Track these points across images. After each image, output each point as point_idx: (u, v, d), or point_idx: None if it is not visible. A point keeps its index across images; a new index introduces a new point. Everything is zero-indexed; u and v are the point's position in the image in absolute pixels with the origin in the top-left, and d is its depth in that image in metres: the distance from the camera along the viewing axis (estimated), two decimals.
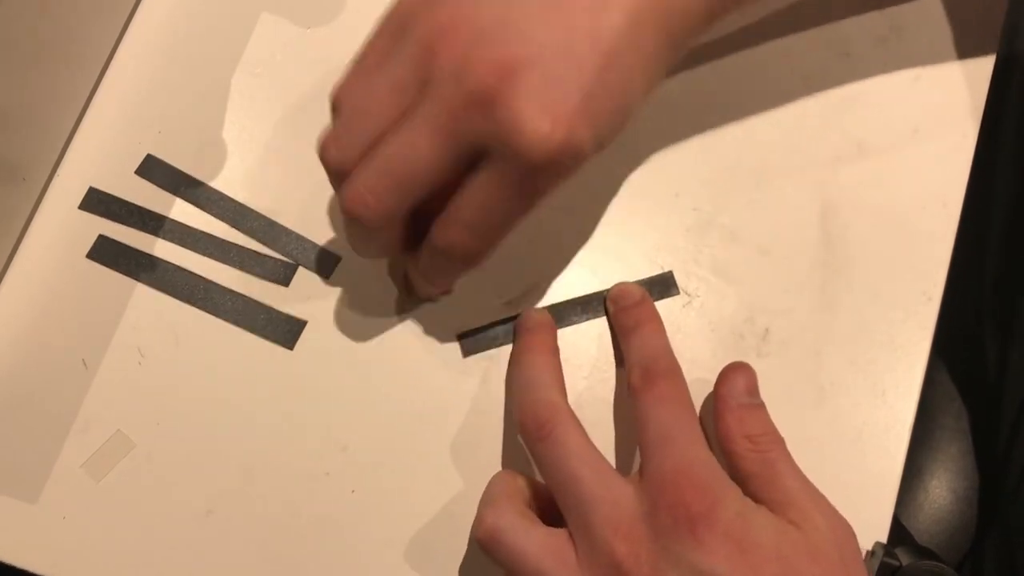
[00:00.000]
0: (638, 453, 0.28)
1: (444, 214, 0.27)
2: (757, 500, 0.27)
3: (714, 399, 0.30)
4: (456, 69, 0.24)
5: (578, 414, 0.29)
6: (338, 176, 0.27)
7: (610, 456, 0.32)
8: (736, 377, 0.30)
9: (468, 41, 0.24)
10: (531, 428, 0.29)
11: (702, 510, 0.25)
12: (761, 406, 0.30)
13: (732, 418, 0.29)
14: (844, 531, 0.27)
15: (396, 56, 0.26)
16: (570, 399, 0.31)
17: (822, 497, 0.27)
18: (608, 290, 0.34)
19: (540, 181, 0.25)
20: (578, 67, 0.24)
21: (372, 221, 0.26)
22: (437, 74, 0.25)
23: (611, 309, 0.33)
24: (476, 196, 0.26)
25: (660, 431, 0.27)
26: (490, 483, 0.30)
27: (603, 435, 0.32)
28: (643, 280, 0.34)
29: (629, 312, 0.32)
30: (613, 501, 0.26)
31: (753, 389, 0.30)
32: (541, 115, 0.24)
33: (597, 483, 0.27)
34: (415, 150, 0.25)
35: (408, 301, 0.34)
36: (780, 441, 0.29)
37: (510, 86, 0.24)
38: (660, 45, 0.26)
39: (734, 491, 0.26)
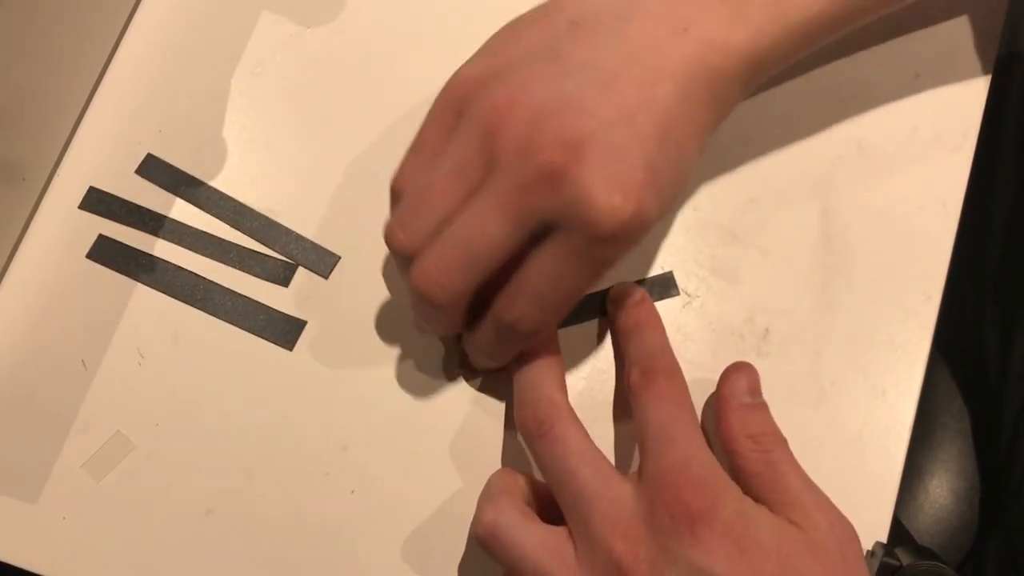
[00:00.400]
0: (637, 452, 0.28)
1: (510, 288, 0.27)
2: (759, 500, 0.27)
3: (716, 399, 0.30)
4: (521, 147, 0.25)
5: (578, 414, 0.29)
6: (406, 259, 0.28)
7: (610, 456, 0.32)
8: (739, 377, 0.30)
9: (529, 119, 0.25)
10: (531, 426, 0.29)
11: (701, 509, 0.25)
12: (763, 406, 0.30)
13: (734, 417, 0.29)
14: (846, 531, 0.27)
15: (456, 139, 0.27)
16: (570, 399, 0.31)
17: (824, 497, 0.27)
18: (608, 290, 0.34)
19: (609, 251, 0.26)
20: (639, 140, 0.25)
21: (443, 299, 0.27)
22: (502, 153, 0.25)
23: (611, 309, 0.33)
24: (544, 269, 0.26)
25: (659, 430, 0.27)
26: (490, 480, 0.30)
27: (603, 435, 0.32)
28: (643, 280, 0.34)
29: (629, 312, 0.32)
30: (612, 499, 0.26)
31: (755, 389, 0.30)
32: (611, 188, 0.24)
33: (596, 481, 0.27)
34: (484, 228, 0.26)
35: (464, 372, 0.33)
36: (783, 441, 0.29)
37: (577, 161, 0.24)
38: (708, 111, 0.27)
39: (734, 491, 0.26)
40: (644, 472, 0.27)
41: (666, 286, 0.34)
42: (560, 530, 0.27)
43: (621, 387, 0.33)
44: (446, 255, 0.26)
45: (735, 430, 0.29)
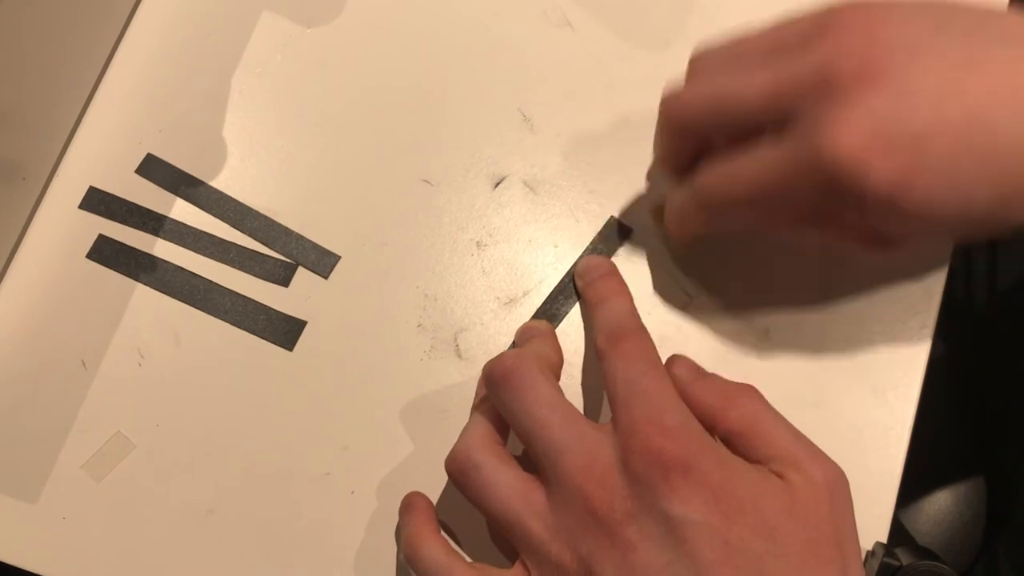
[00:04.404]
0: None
1: (721, 159, 0.28)
2: (749, 460, 0.26)
3: None
4: (832, 47, 0.24)
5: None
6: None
7: None
8: (677, 367, 0.30)
9: (863, 34, 0.24)
10: (496, 373, 0.28)
11: (676, 457, 0.24)
12: (715, 375, 0.29)
13: (696, 390, 0.28)
14: (837, 481, 0.26)
15: (797, 23, 0.27)
16: None
17: (814, 446, 0.27)
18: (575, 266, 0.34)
19: (809, 181, 0.25)
20: (938, 127, 0.24)
21: (672, 115, 0.29)
22: (815, 46, 0.25)
23: (578, 283, 0.33)
24: (755, 152, 0.26)
25: (630, 386, 0.27)
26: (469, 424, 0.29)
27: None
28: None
29: (595, 286, 0.32)
30: (584, 447, 0.26)
31: (698, 368, 0.30)
32: (863, 129, 0.23)
33: (568, 430, 0.26)
34: (746, 84, 0.26)
35: (659, 227, 0.34)
36: (752, 390, 0.28)
37: (861, 88, 0.24)
38: (962, 179, 0.24)
39: (709, 441, 0.26)
40: (617, 424, 0.26)
41: (612, 238, 0.34)
42: (533, 477, 0.27)
43: (591, 367, 0.33)
44: (703, 86, 0.28)
45: (703, 399, 0.28)
